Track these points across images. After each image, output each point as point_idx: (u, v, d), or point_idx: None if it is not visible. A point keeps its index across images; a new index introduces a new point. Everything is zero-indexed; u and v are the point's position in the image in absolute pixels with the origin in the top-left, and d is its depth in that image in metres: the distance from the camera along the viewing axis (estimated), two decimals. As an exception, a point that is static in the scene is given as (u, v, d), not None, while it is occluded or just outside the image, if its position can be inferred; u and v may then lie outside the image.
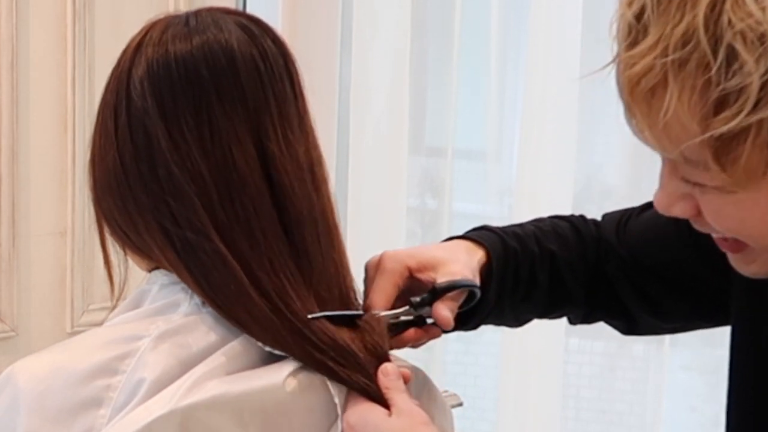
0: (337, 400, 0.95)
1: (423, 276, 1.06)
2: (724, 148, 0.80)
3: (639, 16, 0.82)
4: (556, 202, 2.24)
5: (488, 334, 2.53)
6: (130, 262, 1.02)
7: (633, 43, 0.82)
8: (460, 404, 1.88)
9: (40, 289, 1.80)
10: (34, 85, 1.75)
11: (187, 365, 0.92)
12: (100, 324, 1.00)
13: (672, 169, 0.87)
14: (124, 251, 1.01)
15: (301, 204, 0.96)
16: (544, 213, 1.25)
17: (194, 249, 0.93)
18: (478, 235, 1.14)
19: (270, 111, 0.96)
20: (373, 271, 1.06)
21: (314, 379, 0.95)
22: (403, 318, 1.04)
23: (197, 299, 0.96)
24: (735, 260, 0.93)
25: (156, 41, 0.96)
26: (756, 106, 0.77)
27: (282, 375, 0.93)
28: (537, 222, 1.21)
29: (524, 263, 1.14)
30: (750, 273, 0.93)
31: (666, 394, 2.45)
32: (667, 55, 0.80)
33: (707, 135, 0.79)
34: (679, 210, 0.89)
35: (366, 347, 0.97)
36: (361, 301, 1.03)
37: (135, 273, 1.03)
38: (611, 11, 0.87)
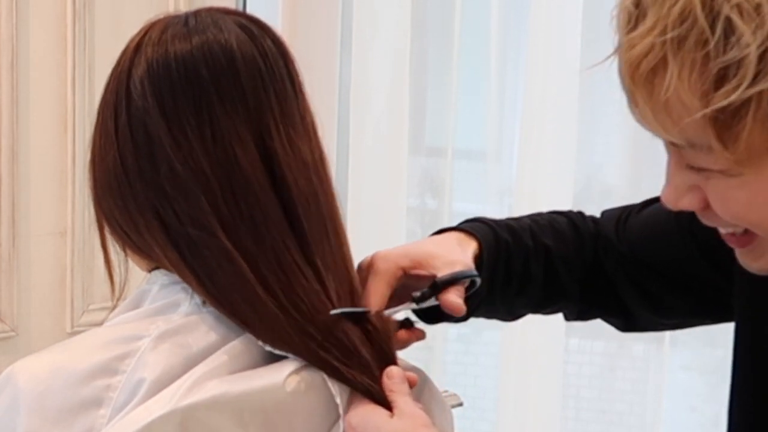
0: (338, 400, 0.95)
1: (420, 271, 1.06)
2: (725, 125, 0.80)
3: (637, 2, 0.83)
4: (556, 202, 2.23)
5: (488, 333, 2.54)
6: (131, 262, 1.02)
7: (632, 28, 0.83)
8: (460, 404, 1.88)
9: (40, 289, 1.80)
10: (34, 85, 1.75)
11: (187, 365, 0.92)
12: (100, 324, 0.99)
13: (678, 159, 0.87)
14: (125, 251, 1.01)
15: (307, 201, 0.96)
16: (544, 212, 1.25)
17: (198, 247, 0.93)
18: (471, 227, 1.13)
19: (271, 110, 0.96)
20: (365, 272, 1.05)
21: (315, 379, 0.95)
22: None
23: (198, 299, 0.96)
24: (742, 256, 0.93)
25: (156, 41, 0.96)
26: (755, 78, 0.78)
27: (282, 375, 0.93)
28: (534, 216, 1.20)
29: (517, 256, 1.14)
30: (757, 269, 0.93)
31: (666, 394, 2.45)
32: (665, 34, 0.81)
33: (709, 110, 0.80)
34: (686, 202, 0.89)
35: (374, 348, 0.97)
36: None
37: (135, 273, 1.03)
38: (611, 10, 0.87)
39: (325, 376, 0.95)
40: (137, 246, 0.99)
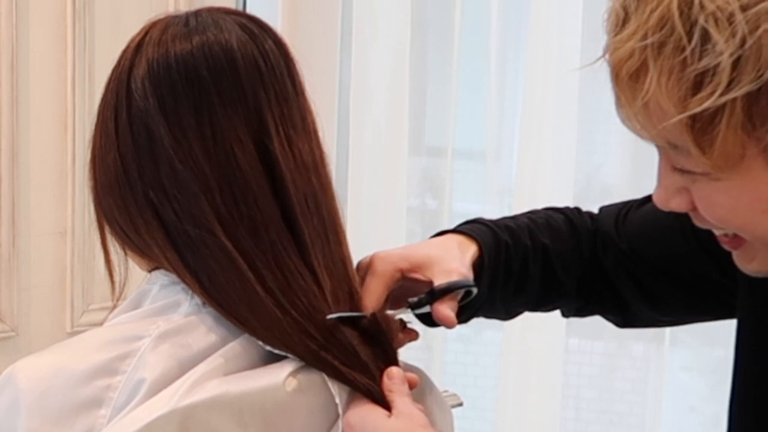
0: (338, 400, 0.95)
1: (418, 276, 1.06)
2: (702, 130, 0.82)
3: (624, 5, 0.85)
4: (556, 201, 2.21)
5: (488, 333, 2.54)
6: (131, 262, 1.02)
7: (618, 31, 0.85)
8: (460, 404, 1.88)
9: (40, 289, 1.79)
10: (34, 85, 1.75)
11: (187, 365, 0.92)
12: (100, 324, 0.99)
13: (666, 160, 0.89)
14: (125, 251, 1.01)
15: (306, 202, 0.96)
16: (544, 212, 1.25)
17: (197, 246, 0.93)
18: (470, 229, 1.13)
19: (271, 111, 0.96)
20: (363, 272, 1.06)
21: (314, 379, 0.95)
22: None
23: (198, 299, 0.96)
24: (737, 258, 0.94)
25: (156, 41, 0.96)
26: (729, 85, 0.80)
27: (282, 375, 0.93)
28: (531, 214, 1.21)
29: (516, 256, 1.14)
30: (751, 271, 0.94)
31: (666, 394, 2.45)
32: (646, 39, 0.83)
33: (684, 115, 0.81)
34: (675, 204, 0.90)
35: (374, 349, 0.97)
36: None
37: (135, 273, 1.03)
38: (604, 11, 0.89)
39: (325, 376, 0.95)
40: (137, 246, 0.99)
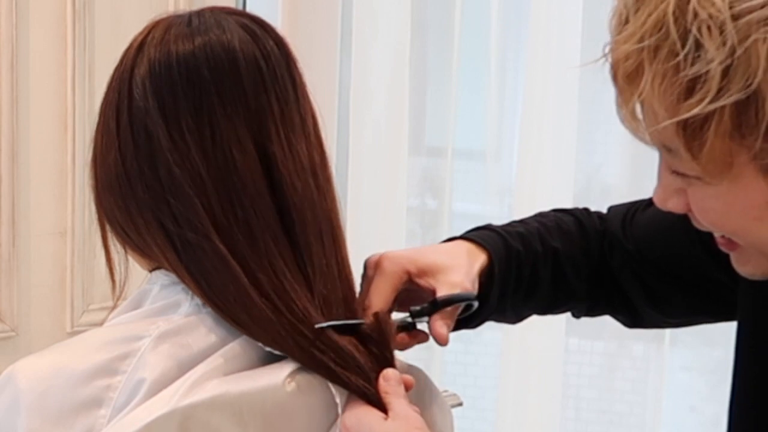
0: (338, 400, 0.95)
1: (422, 282, 1.06)
2: (692, 135, 0.83)
3: (626, 5, 0.86)
4: (556, 202, 2.22)
5: (488, 334, 2.54)
6: (131, 261, 1.02)
7: (618, 32, 0.86)
8: (460, 404, 1.88)
9: (40, 289, 1.79)
10: (34, 85, 1.75)
11: (187, 365, 0.92)
12: (100, 324, 0.99)
13: (664, 162, 0.90)
14: (125, 251, 1.01)
15: (304, 205, 0.96)
16: (545, 213, 1.24)
17: (194, 249, 0.93)
18: (480, 237, 1.13)
19: (272, 112, 0.96)
20: (371, 270, 1.06)
21: (314, 380, 0.95)
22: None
23: (198, 299, 0.96)
24: (733, 260, 0.95)
25: (158, 41, 0.96)
26: (718, 93, 0.81)
27: (282, 375, 0.93)
28: (540, 218, 1.21)
29: (527, 263, 1.14)
30: (746, 273, 0.95)
31: (666, 394, 2.45)
32: (642, 42, 0.83)
33: (674, 120, 0.82)
34: (672, 204, 0.91)
35: (370, 351, 0.96)
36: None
37: (136, 273, 1.03)
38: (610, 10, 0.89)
39: (326, 376, 0.95)
40: (137, 246, 0.99)
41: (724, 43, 0.80)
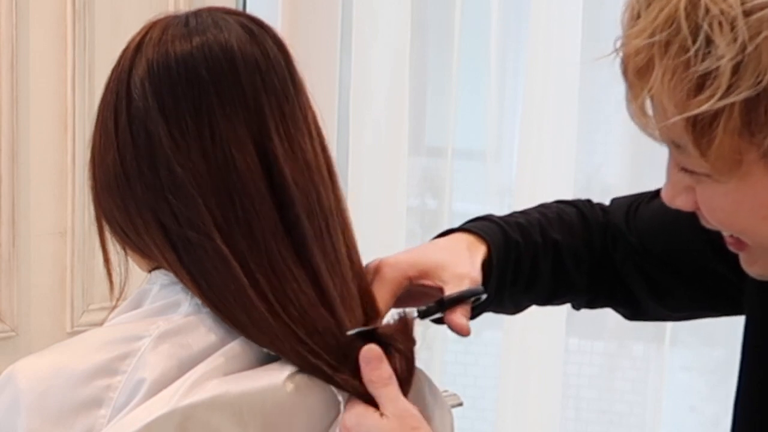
0: (340, 398, 0.95)
1: (428, 282, 1.06)
2: (701, 132, 0.82)
3: (639, 0, 0.86)
4: (556, 202, 2.23)
5: (488, 333, 2.54)
6: (131, 261, 1.02)
7: (630, 26, 0.86)
8: (460, 404, 1.88)
9: (40, 289, 1.80)
10: (34, 85, 1.75)
11: (187, 365, 0.92)
12: (100, 324, 0.99)
13: (674, 158, 0.89)
14: (125, 251, 1.01)
15: (307, 202, 0.96)
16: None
17: (195, 248, 0.93)
18: (480, 228, 1.13)
19: (272, 112, 0.96)
20: (370, 277, 1.05)
21: (314, 380, 0.94)
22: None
23: (197, 299, 0.96)
24: (741, 259, 0.94)
25: (156, 41, 0.96)
26: (728, 90, 0.80)
27: (282, 375, 0.93)
28: (542, 209, 1.20)
29: (526, 255, 1.13)
30: (755, 274, 0.94)
31: (666, 394, 2.45)
32: (653, 37, 0.83)
33: (684, 116, 0.82)
34: (680, 202, 0.91)
35: (397, 350, 0.96)
36: None
37: (135, 273, 1.03)
38: (611, 11, 0.89)
39: (326, 377, 0.95)
40: (136, 246, 0.99)
41: (735, 40, 0.80)
